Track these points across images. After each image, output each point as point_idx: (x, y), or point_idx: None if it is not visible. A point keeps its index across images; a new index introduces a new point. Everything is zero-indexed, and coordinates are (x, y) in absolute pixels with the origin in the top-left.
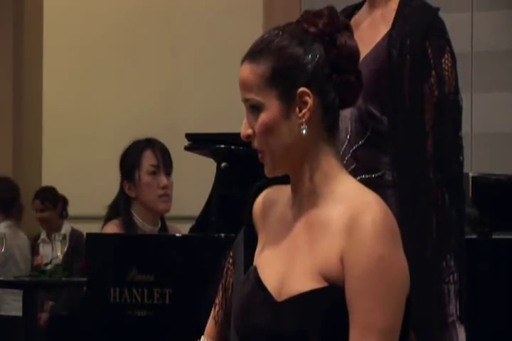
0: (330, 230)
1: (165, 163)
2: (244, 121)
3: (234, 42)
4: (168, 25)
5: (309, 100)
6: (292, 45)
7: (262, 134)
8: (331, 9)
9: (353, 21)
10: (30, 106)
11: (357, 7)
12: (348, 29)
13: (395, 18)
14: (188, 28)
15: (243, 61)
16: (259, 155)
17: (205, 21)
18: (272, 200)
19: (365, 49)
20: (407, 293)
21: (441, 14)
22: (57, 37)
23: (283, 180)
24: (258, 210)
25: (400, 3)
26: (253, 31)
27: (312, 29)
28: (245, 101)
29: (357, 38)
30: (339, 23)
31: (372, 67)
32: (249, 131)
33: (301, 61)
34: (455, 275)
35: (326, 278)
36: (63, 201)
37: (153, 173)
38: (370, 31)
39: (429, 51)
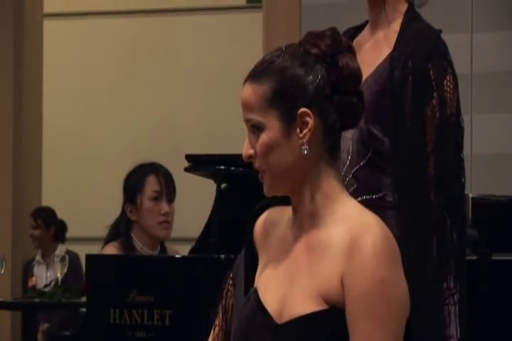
0: (330, 251)
1: (168, 189)
2: (246, 141)
3: (234, 65)
4: (168, 48)
5: (310, 121)
6: (294, 66)
7: (263, 154)
8: (333, 30)
9: (355, 43)
10: (31, 127)
11: (359, 29)
12: (351, 50)
13: (397, 39)
14: (188, 51)
15: (245, 81)
16: (260, 175)
17: (206, 44)
18: (273, 221)
19: (367, 70)
20: (408, 315)
21: (442, 35)
22: (58, 58)
23: (285, 200)
24: (259, 231)
25: (402, 24)
26: (253, 54)
27: (314, 50)
28: (247, 121)
29: (359, 60)
30: (342, 44)
31: (374, 88)
32: (251, 152)
33: (302, 82)
34: (456, 296)
35: (326, 300)
36: (61, 225)
37: (155, 199)
38: (373, 52)
39: (431, 73)
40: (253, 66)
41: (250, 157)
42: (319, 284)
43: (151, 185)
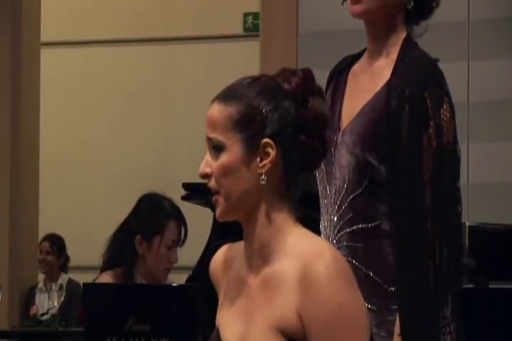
0: (284, 285)
1: (182, 239)
2: (204, 159)
3: None
4: (165, 77)
5: (272, 152)
6: (264, 95)
7: (219, 175)
8: (307, 71)
9: (352, 71)
10: (28, 154)
11: (357, 57)
12: (321, 95)
13: (394, 68)
14: (185, 79)
15: (213, 101)
16: (214, 198)
17: (203, 73)
18: (228, 258)
19: (364, 98)
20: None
21: (439, 64)
22: (55, 86)
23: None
24: (215, 270)
25: (399, 53)
26: None
27: (286, 86)
28: (208, 139)
29: (356, 88)
30: (313, 86)
31: (370, 117)
32: (208, 170)
33: (271, 113)
34: (452, 325)
35: (284, 334)
36: (66, 257)
37: (170, 247)
38: (370, 81)
39: (428, 102)
40: (224, 88)
41: (206, 175)
42: (276, 319)
43: (171, 232)
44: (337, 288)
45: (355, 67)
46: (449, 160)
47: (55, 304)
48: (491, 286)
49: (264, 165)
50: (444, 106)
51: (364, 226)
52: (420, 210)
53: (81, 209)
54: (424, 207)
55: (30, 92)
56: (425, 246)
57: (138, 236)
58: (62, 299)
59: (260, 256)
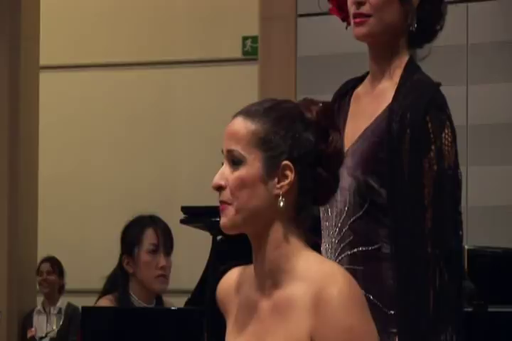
0: (296, 308)
1: (165, 242)
2: (220, 171)
3: (229, 117)
4: (165, 100)
5: (290, 175)
6: (287, 120)
7: (236, 187)
8: (328, 103)
9: (355, 94)
10: (26, 175)
11: (359, 80)
12: (339, 131)
13: (396, 91)
14: (184, 103)
15: (236, 115)
16: (221, 207)
17: (202, 96)
18: (237, 282)
19: (365, 121)
20: None
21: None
22: (54, 106)
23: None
24: (224, 294)
25: (402, 76)
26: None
27: (308, 115)
28: (228, 152)
29: (358, 111)
30: (333, 120)
31: (372, 140)
32: (222, 183)
33: (296, 138)
34: None
35: None
36: (63, 279)
37: (153, 252)
38: (372, 104)
39: (429, 125)
40: (248, 105)
41: (220, 187)
42: None
43: (149, 238)
44: (349, 310)
45: (358, 90)
46: (449, 184)
47: (54, 328)
48: (490, 310)
49: (282, 187)
50: (446, 131)
51: (364, 249)
52: (421, 234)
53: (79, 231)
54: (424, 231)
55: (28, 116)
56: (425, 270)
57: (123, 256)
58: (61, 323)
59: (270, 278)
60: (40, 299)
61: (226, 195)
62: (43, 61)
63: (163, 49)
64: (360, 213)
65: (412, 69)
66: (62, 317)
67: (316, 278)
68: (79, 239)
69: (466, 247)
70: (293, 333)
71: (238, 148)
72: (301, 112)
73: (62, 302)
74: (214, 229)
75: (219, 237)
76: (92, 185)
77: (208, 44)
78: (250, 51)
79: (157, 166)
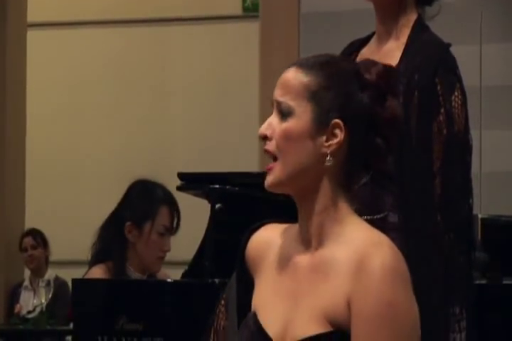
0: (337, 272)
1: (176, 227)
2: (267, 121)
3: (229, 77)
4: (160, 60)
5: (340, 135)
6: (344, 77)
7: (282, 138)
8: (390, 67)
9: (360, 55)
10: (13, 146)
11: (364, 41)
12: (398, 97)
13: (403, 52)
14: (181, 63)
15: (292, 65)
16: (269, 165)
17: (200, 56)
18: (268, 241)
19: None
20: (419, 339)
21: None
22: (42, 70)
23: (276, 221)
24: (253, 251)
25: (409, 36)
26: (250, 65)
27: (367, 75)
28: (277, 103)
29: None
30: (393, 85)
31: None
32: (268, 132)
33: (347, 97)
34: (462, 323)
35: (331, 322)
36: (48, 250)
37: (161, 234)
38: None
39: (439, 88)
40: (306, 56)
41: (265, 137)
42: (324, 305)
43: (163, 218)
44: (390, 285)
45: (364, 51)
46: (459, 149)
47: (43, 301)
48: (504, 282)
49: (330, 146)
50: (456, 93)
51: (369, 217)
52: (429, 203)
53: (70, 202)
54: (433, 199)
55: (16, 75)
56: (435, 240)
57: (128, 223)
58: (50, 296)
59: (315, 239)
60: (27, 272)
61: (272, 145)
62: (30, 18)
63: (159, 5)
64: (365, 180)
65: (420, 28)
66: (52, 290)
67: (362, 245)
68: (67, 208)
69: (480, 216)
70: (330, 295)
71: (288, 99)
72: (358, 72)
73: (50, 274)
74: (213, 196)
75: (218, 205)
76: (82, 151)
77: (206, 0)
78: (251, 7)
79: (152, 130)
